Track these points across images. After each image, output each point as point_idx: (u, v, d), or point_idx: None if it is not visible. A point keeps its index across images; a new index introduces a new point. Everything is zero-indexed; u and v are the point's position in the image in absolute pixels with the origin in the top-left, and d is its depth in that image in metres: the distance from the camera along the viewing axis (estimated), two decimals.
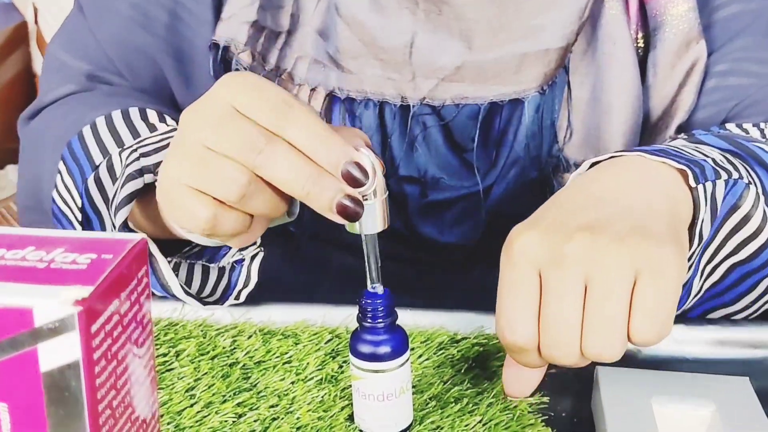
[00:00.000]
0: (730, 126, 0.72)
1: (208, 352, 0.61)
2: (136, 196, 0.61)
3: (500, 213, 0.75)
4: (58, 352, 0.31)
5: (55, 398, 0.32)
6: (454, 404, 0.57)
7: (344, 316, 0.65)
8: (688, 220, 0.56)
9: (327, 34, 0.73)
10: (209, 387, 0.58)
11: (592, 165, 0.59)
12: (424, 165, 0.74)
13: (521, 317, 0.50)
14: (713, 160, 0.60)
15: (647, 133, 0.74)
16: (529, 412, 0.56)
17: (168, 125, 0.69)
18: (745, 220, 0.59)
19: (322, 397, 0.57)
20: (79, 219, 0.67)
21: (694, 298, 0.62)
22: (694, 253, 0.57)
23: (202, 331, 0.64)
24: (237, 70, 0.73)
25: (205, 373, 0.59)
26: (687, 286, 0.60)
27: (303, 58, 0.73)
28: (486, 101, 0.72)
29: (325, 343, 0.62)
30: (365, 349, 0.53)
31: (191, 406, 0.57)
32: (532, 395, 0.58)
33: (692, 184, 0.56)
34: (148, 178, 0.60)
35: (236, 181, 0.51)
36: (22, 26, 1.41)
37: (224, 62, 0.74)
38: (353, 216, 0.51)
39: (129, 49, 0.76)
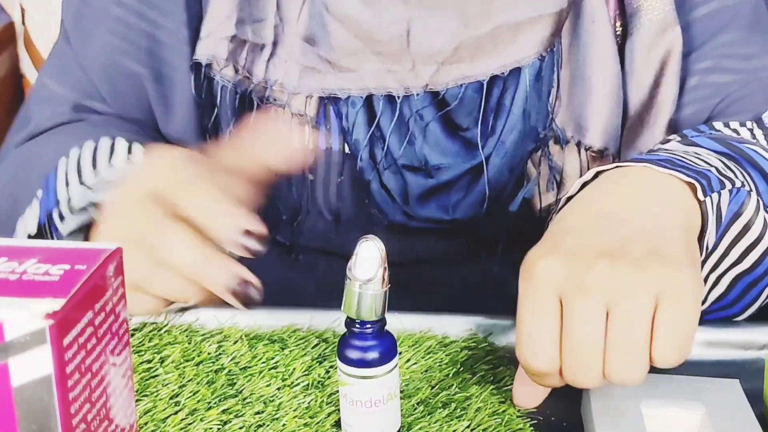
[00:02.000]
0: (719, 125, 0.72)
1: (194, 358, 0.61)
2: (84, 230, 0.64)
3: (499, 187, 0.75)
4: (30, 367, 0.31)
5: (28, 413, 0.31)
6: (442, 409, 0.56)
7: (332, 320, 0.64)
8: (698, 231, 0.56)
9: (314, 39, 0.73)
10: (194, 394, 0.57)
11: (597, 174, 0.59)
12: (422, 154, 0.74)
13: (544, 343, 0.51)
14: (717, 169, 0.60)
15: (634, 125, 0.74)
16: (518, 417, 0.56)
17: (129, 160, 0.70)
18: (747, 227, 0.60)
19: (309, 403, 0.57)
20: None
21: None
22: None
23: (187, 336, 0.63)
24: (224, 87, 0.74)
25: (190, 380, 0.59)
26: None
27: (293, 66, 0.74)
28: (487, 76, 0.73)
29: (312, 347, 0.62)
30: (353, 354, 0.53)
31: (176, 413, 0.56)
32: None
33: (701, 197, 0.56)
34: (92, 211, 0.64)
35: (137, 267, 0.54)
36: (9, 27, 1.40)
37: (208, 80, 0.75)
38: (246, 299, 0.54)
39: (113, 75, 0.77)
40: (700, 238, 0.56)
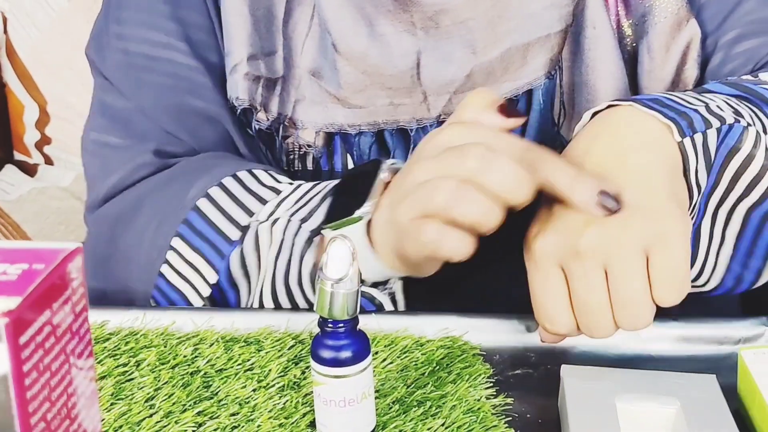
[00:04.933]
0: (746, 76, 0.72)
1: (169, 361, 0.61)
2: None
3: None
4: None
5: None
6: (417, 408, 0.56)
7: (308, 321, 0.64)
8: (682, 169, 0.58)
9: (320, 73, 0.73)
10: (169, 396, 0.57)
11: (593, 115, 0.61)
12: None
13: (557, 310, 0.55)
14: (706, 107, 0.61)
15: None
16: (492, 414, 0.56)
17: (280, 182, 0.69)
18: (749, 159, 0.61)
19: (284, 404, 0.57)
20: (206, 294, 0.68)
21: (719, 251, 0.63)
22: (695, 201, 0.59)
23: (163, 339, 0.63)
24: (258, 124, 0.74)
25: (166, 383, 0.59)
26: (693, 229, 0.61)
27: (301, 100, 0.73)
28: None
29: (288, 349, 0.62)
30: (326, 354, 0.53)
31: (150, 416, 0.56)
32: None
33: (677, 138, 0.58)
34: (316, 240, 0.63)
35: (440, 188, 0.55)
36: None
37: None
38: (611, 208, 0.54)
39: (181, 115, 0.75)
40: (686, 175, 0.58)
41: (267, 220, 0.66)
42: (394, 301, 0.65)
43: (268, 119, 0.74)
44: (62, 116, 1.39)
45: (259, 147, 0.76)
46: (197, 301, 0.68)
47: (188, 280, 0.68)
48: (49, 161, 1.42)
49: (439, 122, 0.73)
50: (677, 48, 0.73)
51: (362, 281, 0.65)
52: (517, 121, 0.58)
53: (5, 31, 1.40)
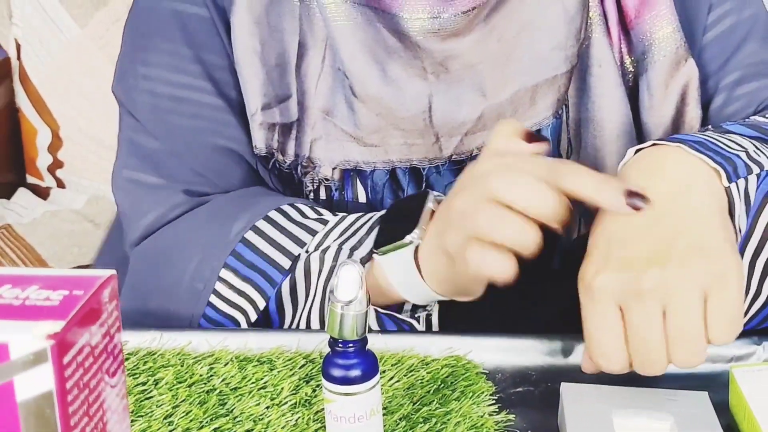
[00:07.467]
0: (755, 117, 0.74)
1: (186, 380, 0.63)
2: None
3: None
4: (33, 383, 0.34)
5: (31, 426, 0.34)
6: (423, 424, 0.59)
7: (318, 341, 0.67)
8: (727, 212, 0.60)
9: (334, 112, 0.75)
10: (187, 414, 0.60)
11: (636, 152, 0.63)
12: None
13: (614, 348, 0.57)
14: (746, 153, 0.63)
15: None
16: (495, 430, 0.59)
17: (323, 214, 0.72)
18: None
19: (296, 420, 0.59)
20: (254, 319, 0.70)
21: (754, 301, 0.65)
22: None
23: (179, 359, 0.65)
24: (278, 164, 0.76)
25: (183, 400, 0.61)
26: None
27: (318, 140, 0.76)
28: None
29: (299, 368, 0.64)
30: (336, 372, 0.55)
31: None
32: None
33: (725, 184, 0.60)
34: (367, 266, 0.65)
35: (479, 215, 0.58)
36: (5, 62, 1.43)
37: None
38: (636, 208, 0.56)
39: (210, 156, 0.77)
40: (731, 218, 0.60)
41: (317, 249, 0.69)
42: (428, 323, 0.68)
43: (285, 161, 0.76)
44: (74, 140, 1.42)
45: (284, 182, 0.79)
46: (245, 326, 0.71)
47: (238, 306, 0.71)
48: (61, 184, 1.45)
49: (451, 162, 0.75)
50: (675, 86, 0.74)
51: (404, 304, 0.68)
52: (541, 146, 0.61)
53: (18, 57, 1.43)
